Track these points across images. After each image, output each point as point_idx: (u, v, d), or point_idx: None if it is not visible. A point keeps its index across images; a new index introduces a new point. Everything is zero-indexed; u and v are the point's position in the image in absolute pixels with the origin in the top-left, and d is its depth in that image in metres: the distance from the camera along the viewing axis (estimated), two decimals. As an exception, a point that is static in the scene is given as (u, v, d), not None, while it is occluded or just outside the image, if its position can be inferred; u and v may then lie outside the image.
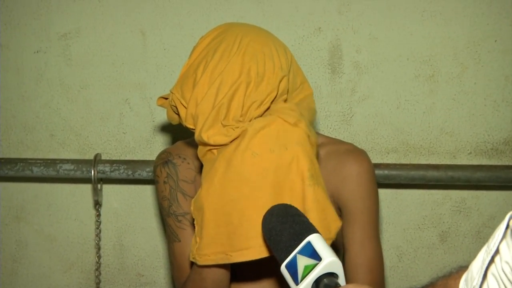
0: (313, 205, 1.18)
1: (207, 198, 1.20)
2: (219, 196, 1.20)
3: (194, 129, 1.27)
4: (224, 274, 1.29)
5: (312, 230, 0.99)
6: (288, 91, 1.29)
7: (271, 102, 1.25)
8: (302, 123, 1.22)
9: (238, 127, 1.22)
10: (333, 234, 1.21)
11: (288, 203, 1.12)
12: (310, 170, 1.19)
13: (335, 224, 1.22)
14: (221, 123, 1.22)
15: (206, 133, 1.22)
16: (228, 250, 1.19)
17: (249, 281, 1.41)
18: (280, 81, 1.25)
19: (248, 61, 1.24)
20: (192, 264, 1.34)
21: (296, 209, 1.06)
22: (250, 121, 1.23)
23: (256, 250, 1.18)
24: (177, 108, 1.30)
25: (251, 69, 1.23)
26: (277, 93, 1.25)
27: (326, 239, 1.14)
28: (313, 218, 1.16)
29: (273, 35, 1.34)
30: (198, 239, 1.23)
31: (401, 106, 1.86)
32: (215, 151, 1.24)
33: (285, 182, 1.19)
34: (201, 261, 1.23)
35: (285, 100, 1.28)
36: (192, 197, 1.40)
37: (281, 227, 1.01)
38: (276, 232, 1.01)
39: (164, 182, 1.43)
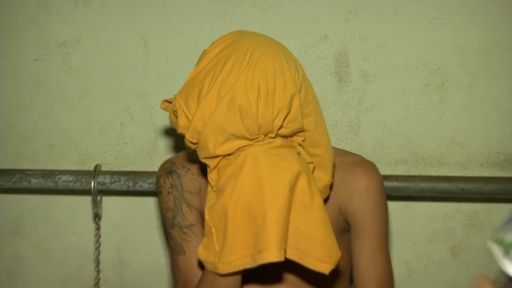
0: (322, 225, 1.24)
1: (230, 201, 1.23)
2: (245, 196, 1.23)
3: (195, 143, 1.28)
4: (238, 281, 1.29)
5: None
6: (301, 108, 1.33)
7: (283, 120, 1.27)
8: (312, 164, 1.33)
9: (259, 140, 1.26)
10: (333, 261, 1.23)
11: (296, 214, 1.19)
12: (323, 193, 1.31)
13: (336, 252, 1.24)
14: (237, 137, 1.25)
15: (221, 148, 1.25)
16: (254, 252, 1.21)
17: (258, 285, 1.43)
18: (291, 98, 1.26)
19: (258, 76, 1.24)
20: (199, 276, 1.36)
21: None
22: (264, 137, 1.27)
23: (275, 253, 1.19)
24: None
25: (260, 85, 1.24)
26: (288, 111, 1.27)
27: (326, 263, 1.22)
28: (320, 237, 1.22)
29: (286, 48, 1.35)
30: (217, 248, 1.24)
31: (410, 116, 1.88)
32: (230, 156, 1.27)
33: (299, 188, 1.26)
34: (226, 269, 1.24)
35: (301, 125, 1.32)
36: (197, 208, 1.44)
37: None
38: None
39: (168, 192, 1.45)
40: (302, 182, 1.25)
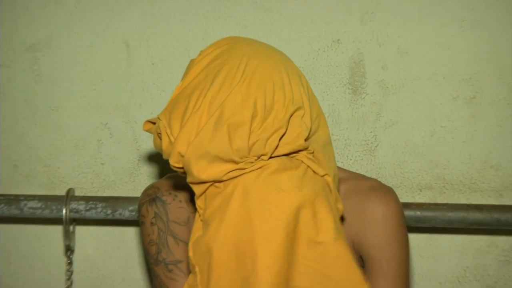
0: (337, 261, 1.23)
1: (216, 239, 1.23)
2: (233, 235, 1.23)
3: (181, 168, 1.29)
4: None
5: None
6: None
7: (280, 140, 1.28)
8: (329, 177, 1.30)
9: (251, 162, 1.25)
10: None
11: (305, 250, 1.20)
12: (336, 222, 1.26)
13: (361, 285, 1.24)
14: (224, 160, 1.25)
15: (205, 172, 1.25)
16: None
17: None
18: (291, 115, 1.28)
19: (254, 91, 1.27)
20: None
21: None
22: (257, 159, 1.26)
23: None
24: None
25: (257, 101, 1.26)
26: (285, 130, 1.28)
27: None
28: (335, 274, 1.22)
29: (286, 57, 1.37)
30: None
31: (436, 133, 1.88)
32: (220, 184, 1.27)
33: (303, 228, 1.23)
34: None
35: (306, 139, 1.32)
36: (185, 242, 1.44)
37: None
38: None
39: (152, 223, 1.46)
40: (305, 214, 1.24)
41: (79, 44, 1.91)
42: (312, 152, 1.32)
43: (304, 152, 1.31)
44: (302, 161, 1.30)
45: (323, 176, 1.30)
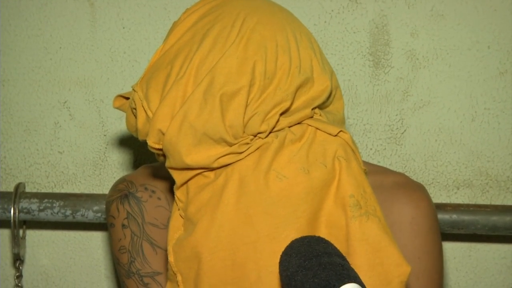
0: (360, 246, 1.22)
1: (206, 242, 1.23)
2: (228, 238, 1.23)
3: (160, 150, 1.29)
4: None
5: (348, 277, 1.01)
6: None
7: (281, 114, 1.28)
8: (346, 134, 1.30)
9: (247, 143, 1.26)
10: (395, 286, 1.21)
11: (328, 243, 1.18)
12: (354, 195, 1.25)
13: (399, 270, 1.22)
14: (213, 140, 1.25)
15: (191, 156, 1.25)
16: None
17: None
18: (299, 86, 1.29)
19: (253, 54, 1.27)
20: None
21: (325, 244, 1.09)
22: (253, 138, 1.27)
23: None
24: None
25: (256, 67, 1.26)
26: (291, 103, 1.28)
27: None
28: (360, 264, 1.20)
29: (293, 15, 1.37)
30: None
31: (479, 117, 1.89)
32: (210, 173, 1.27)
33: (321, 214, 1.24)
34: None
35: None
36: (165, 249, 1.42)
37: (302, 275, 1.04)
38: (296, 282, 1.04)
39: (123, 226, 1.47)
40: (317, 201, 1.24)
41: (31, 3, 1.91)
42: (320, 114, 1.33)
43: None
44: (308, 125, 1.30)
45: (336, 134, 1.29)
